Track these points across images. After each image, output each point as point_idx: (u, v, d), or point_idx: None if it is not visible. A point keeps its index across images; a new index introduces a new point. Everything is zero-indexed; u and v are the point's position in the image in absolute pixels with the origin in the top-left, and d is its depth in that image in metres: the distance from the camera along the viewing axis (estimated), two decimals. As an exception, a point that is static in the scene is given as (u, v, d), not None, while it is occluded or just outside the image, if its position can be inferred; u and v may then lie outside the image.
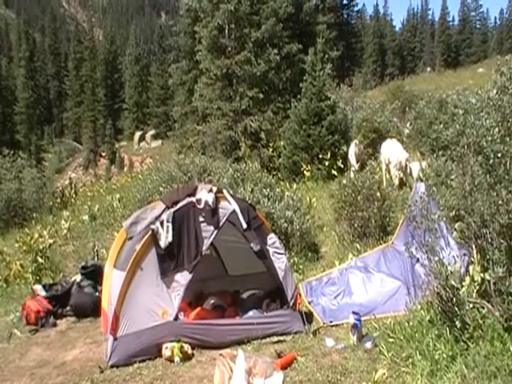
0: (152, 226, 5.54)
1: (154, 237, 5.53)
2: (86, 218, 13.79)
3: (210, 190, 5.88)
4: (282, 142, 15.98)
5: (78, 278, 7.35)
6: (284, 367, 5.10)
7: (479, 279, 4.95)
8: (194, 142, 17.40)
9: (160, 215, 5.79)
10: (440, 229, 7.43)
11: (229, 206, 5.89)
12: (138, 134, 68.94)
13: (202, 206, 5.71)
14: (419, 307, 5.72)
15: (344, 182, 8.31)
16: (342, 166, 14.16)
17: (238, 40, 17.10)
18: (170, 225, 5.56)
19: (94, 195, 20.22)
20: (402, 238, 7.76)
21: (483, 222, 5.01)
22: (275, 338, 5.84)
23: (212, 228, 5.79)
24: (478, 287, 4.94)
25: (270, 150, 16.06)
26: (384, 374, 4.49)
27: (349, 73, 46.02)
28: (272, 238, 6.03)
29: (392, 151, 10.41)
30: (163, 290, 5.61)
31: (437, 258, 5.02)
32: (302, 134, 14.48)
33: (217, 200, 5.82)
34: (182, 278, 5.67)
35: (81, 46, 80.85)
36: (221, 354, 4.91)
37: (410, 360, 4.87)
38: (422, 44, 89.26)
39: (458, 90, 13.35)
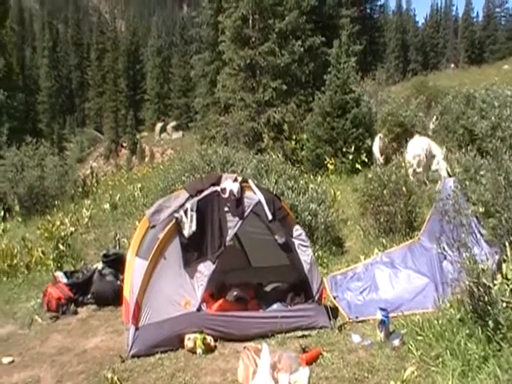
0: (176, 215, 5.44)
1: (178, 225, 5.42)
2: (107, 206, 13.82)
3: (235, 180, 5.75)
4: (304, 135, 15.78)
5: (100, 266, 7.29)
6: (309, 362, 4.97)
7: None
8: (217, 133, 17.28)
9: (184, 204, 5.67)
10: (470, 225, 7.28)
11: (254, 196, 5.76)
12: (159, 125, 69.18)
13: (226, 195, 5.58)
14: (448, 305, 5.55)
15: (370, 175, 8.10)
16: (366, 160, 13.96)
17: (261, 31, 16.92)
18: (194, 214, 5.45)
19: (116, 184, 20.28)
20: (428, 234, 7.56)
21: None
22: (300, 333, 5.69)
23: (237, 218, 5.66)
24: (511, 286, 4.74)
25: (293, 142, 15.88)
26: (413, 372, 4.32)
27: (371, 67, 45.36)
28: (298, 230, 5.88)
29: (419, 148, 10.18)
30: (186, 280, 5.51)
31: (469, 255, 4.81)
32: (326, 127, 14.26)
33: (242, 190, 5.69)
34: (206, 268, 5.56)
35: (103, 36, 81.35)
36: (245, 347, 4.79)
37: (440, 359, 4.70)
38: (446, 40, 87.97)
39: (485, 85, 12.99)
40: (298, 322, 5.77)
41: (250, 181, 5.86)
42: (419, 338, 5.10)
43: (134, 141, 68.92)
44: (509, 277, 4.72)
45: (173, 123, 68.42)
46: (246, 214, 5.70)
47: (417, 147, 10.14)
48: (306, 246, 5.88)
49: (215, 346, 5.47)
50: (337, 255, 8.36)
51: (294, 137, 16.04)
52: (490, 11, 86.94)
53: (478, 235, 7.06)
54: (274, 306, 6.19)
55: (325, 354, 5.16)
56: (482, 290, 4.87)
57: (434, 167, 10.18)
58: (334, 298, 6.58)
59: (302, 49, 18.35)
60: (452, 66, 61.76)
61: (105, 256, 7.35)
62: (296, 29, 19.12)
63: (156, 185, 10.64)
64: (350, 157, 13.85)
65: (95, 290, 7.00)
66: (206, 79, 27.36)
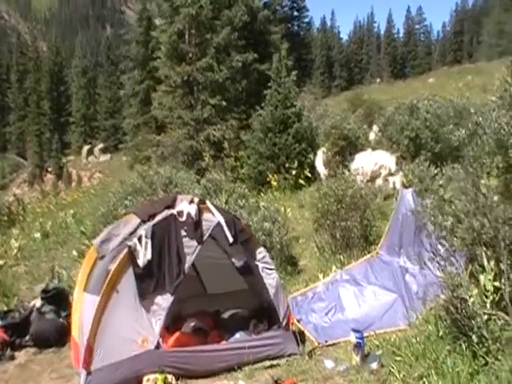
0: (128, 243, 4.90)
1: (131, 255, 4.88)
2: (37, 235, 12.89)
3: (192, 201, 5.29)
4: (244, 152, 15.49)
5: (38, 302, 6.54)
6: (285, 397, 4.56)
7: (492, 288, 4.56)
8: (153, 153, 16.64)
9: (135, 230, 5.16)
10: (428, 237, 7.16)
11: (213, 218, 5.32)
12: (85, 148, 66.83)
13: (184, 218, 5.11)
14: (422, 321, 5.34)
15: (324, 190, 7.85)
16: (310, 175, 13.81)
17: (198, 46, 16.53)
18: (149, 240, 4.93)
19: (44, 211, 19.13)
20: (387, 247, 7.41)
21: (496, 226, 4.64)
22: (268, 363, 5.29)
23: (195, 243, 5.20)
24: (491, 297, 4.55)
25: (233, 159, 15.53)
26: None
27: (300, 84, 46.17)
28: (261, 253, 5.49)
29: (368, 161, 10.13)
30: (142, 315, 4.97)
31: (449, 269, 4.60)
32: (268, 143, 14.01)
33: (199, 212, 5.23)
34: (163, 300, 5.05)
35: (24, 57, 77.96)
36: (217, 387, 4.30)
37: (425, 380, 4.42)
38: (369, 56, 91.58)
39: (428, 96, 13.28)
40: (265, 352, 5.36)
41: (207, 202, 5.41)
42: (398, 358, 4.82)
43: (59, 165, 66.14)
44: (488, 288, 4.54)
45: (100, 145, 66.36)
46: (204, 237, 5.25)
47: (369, 160, 10.08)
48: (270, 269, 5.50)
49: (177, 385, 4.96)
50: (293, 275, 8.01)
51: (233, 154, 15.71)
52: (410, 28, 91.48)
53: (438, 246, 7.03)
54: (237, 336, 5.75)
55: (300, 384, 4.77)
56: (459, 303, 4.66)
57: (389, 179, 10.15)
58: (298, 321, 6.21)
59: (240, 64, 18.14)
60: (378, 80, 64.08)
61: (44, 291, 6.60)
62: (229, 45, 18.91)
63: (95, 209, 9.93)
64: (294, 172, 13.64)
65: (34, 331, 6.24)
66: (137, 99, 26.66)
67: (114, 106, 65.76)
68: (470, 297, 4.53)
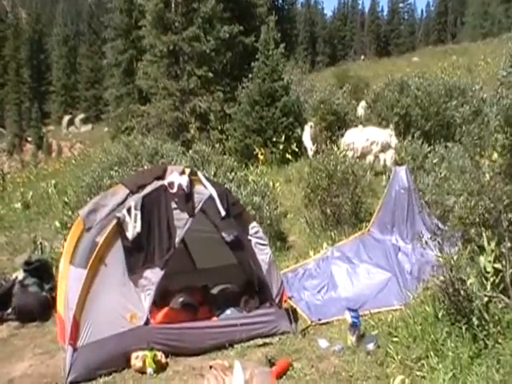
0: (117, 214, 4.65)
1: (120, 227, 4.64)
2: (18, 205, 12.54)
3: (183, 172, 5.04)
4: (228, 125, 15.18)
5: (21, 275, 6.27)
6: (279, 376, 4.42)
7: (491, 270, 4.44)
8: (138, 124, 16.21)
9: (123, 201, 4.92)
10: (421, 215, 7.04)
11: (204, 190, 5.08)
12: (66, 118, 65.57)
13: (174, 190, 4.87)
14: (418, 301, 5.20)
15: (316, 164, 7.64)
16: (297, 150, 13.59)
17: (185, 15, 16.00)
18: (139, 212, 4.69)
19: (25, 181, 18.65)
20: (379, 225, 7.29)
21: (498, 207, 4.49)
22: (260, 341, 5.14)
23: (186, 216, 4.98)
24: (491, 279, 4.42)
25: (218, 132, 15.20)
26: (404, 380, 3.88)
27: (285, 58, 45.53)
28: (254, 227, 5.29)
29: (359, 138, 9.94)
30: (131, 290, 4.76)
31: (453, 250, 4.45)
32: (255, 116, 13.69)
33: (191, 184, 5.00)
34: (153, 275, 4.85)
35: (3, 24, 75.60)
36: (211, 367, 4.14)
37: (423, 362, 4.30)
38: (353, 33, 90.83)
39: (418, 73, 13.09)
40: (258, 329, 5.21)
41: (199, 173, 5.17)
42: (394, 339, 4.69)
43: (39, 135, 64.72)
44: (488, 270, 4.41)
45: (81, 116, 65.14)
46: (196, 210, 5.02)
47: (360, 136, 9.88)
48: (263, 245, 5.32)
49: (167, 363, 4.81)
50: (282, 251, 7.85)
51: (219, 127, 15.39)
52: (394, 6, 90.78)
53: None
54: (228, 312, 5.58)
55: (294, 363, 4.63)
56: (458, 285, 4.53)
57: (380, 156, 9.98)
58: (290, 298, 6.05)
59: (227, 35, 17.66)
60: (362, 57, 63.53)
61: (26, 264, 6.34)
62: (214, 16, 18.35)
63: (78, 180, 9.60)
64: (281, 147, 13.40)
65: (17, 304, 5.99)
66: (119, 69, 25.96)
67: (95, 76, 64.43)
68: (469, 278, 4.41)
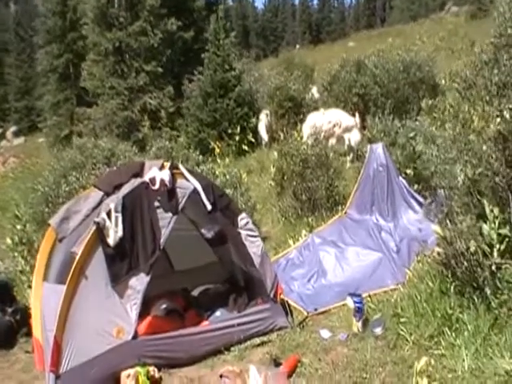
0: (96, 219, 4.17)
1: (101, 233, 4.17)
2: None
3: (162, 166, 4.61)
4: (180, 121, 14.67)
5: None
6: (290, 375, 4.09)
7: (496, 237, 4.27)
8: (84, 128, 15.38)
9: (98, 205, 4.45)
10: (401, 191, 6.88)
11: (187, 184, 4.68)
12: (-3, 131, 62.57)
13: (157, 186, 4.44)
14: (417, 278, 5.00)
15: (288, 150, 7.35)
16: (253, 141, 13.27)
17: (130, 10, 15.27)
18: (120, 215, 4.23)
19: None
20: (356, 206, 7.08)
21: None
22: (257, 340, 4.80)
23: (170, 214, 4.58)
24: (498, 246, 4.26)
25: (169, 129, 14.66)
26: (429, 361, 3.62)
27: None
28: (244, 219, 4.91)
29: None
30: (116, 302, 4.31)
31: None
32: (209, 109, 13.25)
33: (173, 178, 4.58)
34: (138, 282, 4.42)
35: None
36: (222, 376, 3.76)
37: (439, 338, 4.09)
38: (284, 24, 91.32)
39: (378, 51, 13.03)
40: (254, 328, 4.88)
41: (180, 166, 4.74)
42: (402, 319, 4.46)
43: (-30, 151, 61.58)
44: (492, 237, 4.24)
45: (13, 128, 62.08)
46: (180, 206, 4.62)
47: (322, 119, 9.66)
48: (254, 236, 4.97)
49: (161, 378, 4.40)
50: (259, 242, 7.49)
51: (170, 124, 14.83)
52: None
53: (411, 199, 6.77)
54: (218, 314, 5.21)
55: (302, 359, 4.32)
56: (461, 256, 4.35)
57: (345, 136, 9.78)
58: (281, 291, 5.74)
59: (175, 27, 17.04)
60: (297, 46, 63.83)
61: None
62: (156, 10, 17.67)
63: (28, 191, 8.90)
64: (237, 138, 13.02)
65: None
66: (55, 74, 24.75)
67: (25, 85, 61.54)
68: (476, 247, 4.23)
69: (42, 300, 4.26)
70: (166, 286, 5.80)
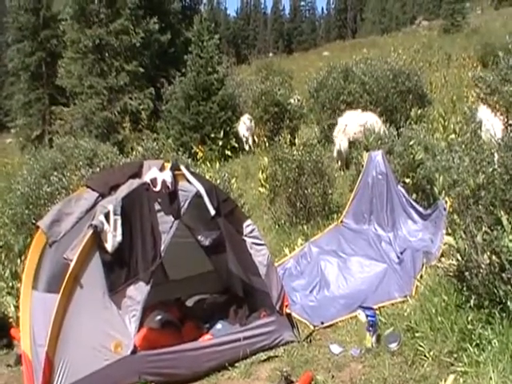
0: (93, 222, 3.79)
1: (98, 237, 3.79)
2: None
3: (163, 167, 4.27)
4: (162, 123, 14.26)
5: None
6: (305, 394, 3.79)
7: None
8: (61, 128, 14.78)
9: (92, 207, 4.07)
10: (400, 200, 6.68)
11: (190, 187, 4.33)
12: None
13: (158, 188, 4.09)
14: (428, 291, 4.76)
15: (283, 155, 7.07)
16: (236, 146, 12.98)
17: (111, 7, 14.79)
18: (119, 218, 3.87)
19: None
20: (353, 215, 6.84)
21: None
22: (263, 355, 4.48)
23: (171, 218, 4.22)
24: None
25: (150, 132, 14.22)
26: (456, 379, 3.36)
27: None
28: (249, 226, 4.58)
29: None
30: (113, 314, 3.95)
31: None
32: (191, 112, 12.88)
33: (175, 180, 4.24)
34: (137, 292, 4.06)
35: None
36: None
37: (460, 354, 3.84)
38: (256, 32, 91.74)
39: (366, 59, 12.89)
40: (259, 342, 4.55)
41: (182, 167, 4.39)
42: (417, 334, 4.21)
43: None
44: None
45: (-23, 131, 60.35)
46: (182, 210, 4.28)
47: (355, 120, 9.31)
48: (260, 245, 4.63)
49: (161, 396, 4.03)
50: (251, 251, 7.18)
51: (152, 126, 14.41)
52: (295, 4, 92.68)
53: (411, 210, 6.57)
54: (218, 327, 4.87)
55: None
56: (479, 268, 4.13)
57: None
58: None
59: (157, 26, 16.62)
60: (271, 54, 63.93)
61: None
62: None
63: (10, 190, 8.36)
64: (220, 143, 12.69)
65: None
66: (27, 72, 23.99)
67: (-10, 86, 59.91)
68: (492, 259, 4.02)
69: (31, 311, 3.84)
70: (160, 295, 5.43)
